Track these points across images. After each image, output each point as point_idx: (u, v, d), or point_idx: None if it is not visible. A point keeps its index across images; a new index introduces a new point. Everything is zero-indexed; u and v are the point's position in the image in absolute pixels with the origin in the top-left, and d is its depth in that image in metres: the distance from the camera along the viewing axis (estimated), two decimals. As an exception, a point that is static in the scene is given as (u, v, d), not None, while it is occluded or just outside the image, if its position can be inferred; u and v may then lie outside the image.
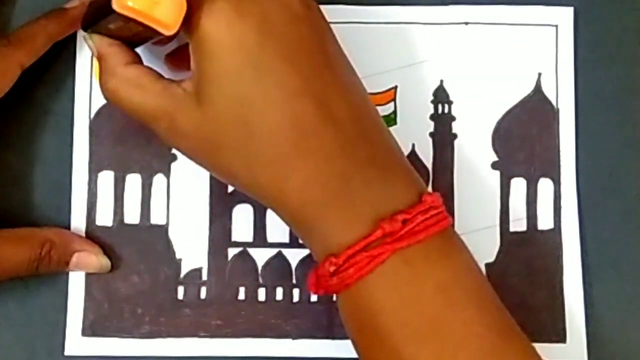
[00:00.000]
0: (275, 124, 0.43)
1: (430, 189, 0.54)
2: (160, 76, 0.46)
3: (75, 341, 0.53)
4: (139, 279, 0.54)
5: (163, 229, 0.54)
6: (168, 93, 0.45)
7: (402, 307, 0.43)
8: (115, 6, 0.42)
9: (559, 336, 0.53)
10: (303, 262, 0.54)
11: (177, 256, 0.54)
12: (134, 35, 0.46)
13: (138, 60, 0.48)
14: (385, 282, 0.43)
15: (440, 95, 0.55)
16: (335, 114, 0.44)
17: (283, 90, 0.43)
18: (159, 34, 0.44)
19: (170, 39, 0.47)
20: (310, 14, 0.45)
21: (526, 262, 0.54)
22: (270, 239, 0.54)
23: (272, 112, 0.43)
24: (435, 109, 0.55)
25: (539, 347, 0.52)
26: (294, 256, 0.54)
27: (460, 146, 0.55)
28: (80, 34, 0.53)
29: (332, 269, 0.44)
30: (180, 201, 0.54)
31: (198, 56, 0.44)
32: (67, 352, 0.53)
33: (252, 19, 0.43)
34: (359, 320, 0.45)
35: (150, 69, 0.47)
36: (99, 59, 0.48)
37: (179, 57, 0.52)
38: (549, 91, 0.55)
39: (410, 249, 0.43)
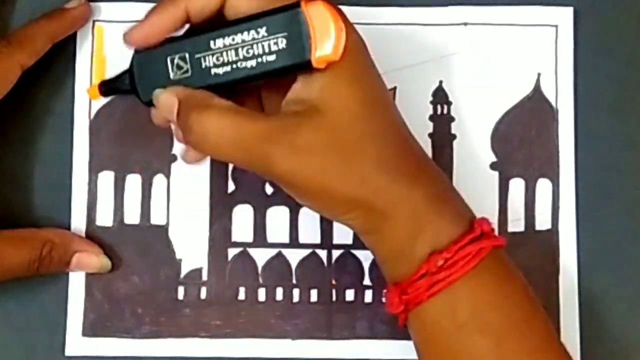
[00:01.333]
0: (396, 124, 0.47)
1: (429, 189, 0.55)
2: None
3: (75, 341, 0.53)
4: (139, 279, 0.54)
5: (163, 229, 0.54)
6: (275, 117, 0.45)
7: (504, 302, 0.46)
8: (316, 63, 0.43)
9: (555, 335, 0.54)
10: (303, 262, 0.54)
11: (177, 256, 0.54)
12: None
13: None
14: (489, 277, 0.46)
15: (439, 96, 0.55)
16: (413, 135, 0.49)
17: (388, 98, 0.48)
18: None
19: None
20: None
21: (523, 262, 0.54)
22: (270, 239, 0.54)
23: (393, 111, 0.47)
24: (434, 109, 0.55)
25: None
26: (294, 256, 0.54)
27: (459, 147, 0.55)
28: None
29: (440, 262, 0.45)
30: (181, 201, 0.54)
31: (339, 60, 0.44)
32: (67, 352, 0.53)
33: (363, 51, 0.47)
34: (454, 322, 0.46)
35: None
36: (182, 103, 0.45)
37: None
38: (548, 92, 0.55)
39: (500, 250, 0.47)
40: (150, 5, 0.54)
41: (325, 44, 0.43)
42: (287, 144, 0.44)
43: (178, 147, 0.54)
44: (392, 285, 0.47)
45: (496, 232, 0.54)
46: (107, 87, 0.49)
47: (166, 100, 0.46)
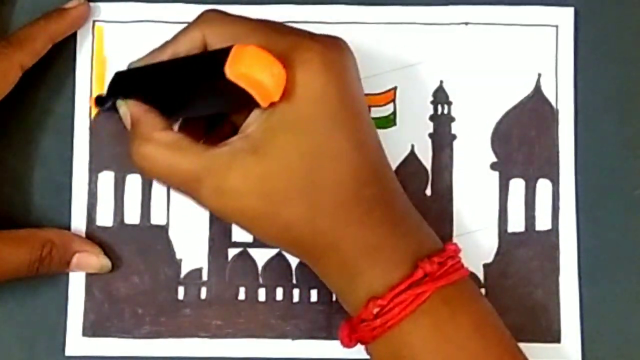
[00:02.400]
0: (341, 174, 0.46)
1: (429, 189, 0.55)
2: (196, 141, 0.47)
3: (75, 341, 0.54)
4: (139, 279, 0.54)
5: (163, 229, 0.55)
6: (212, 153, 0.46)
7: (444, 345, 0.46)
8: (229, 72, 0.43)
9: (554, 336, 0.54)
10: (303, 262, 0.54)
11: (178, 256, 0.54)
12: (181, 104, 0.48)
13: (172, 127, 0.49)
14: (428, 320, 0.45)
15: (440, 96, 0.56)
16: (385, 166, 0.48)
17: (350, 143, 0.46)
18: (246, 103, 0.45)
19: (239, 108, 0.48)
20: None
21: (523, 263, 0.55)
22: (270, 239, 0.55)
23: (339, 163, 0.45)
24: (435, 109, 0.55)
25: (533, 347, 0.53)
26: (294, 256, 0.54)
27: (459, 147, 0.55)
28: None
29: (376, 310, 0.45)
30: (181, 201, 0.54)
31: (283, 103, 0.45)
32: (67, 353, 0.54)
33: (335, 73, 0.46)
34: None
35: (185, 135, 0.47)
36: (133, 125, 0.48)
37: (193, 128, 0.52)
38: (548, 92, 0.56)
39: (447, 289, 0.46)
40: (150, 5, 0.55)
41: (249, 64, 0.43)
42: (213, 186, 0.45)
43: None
44: (343, 321, 0.48)
45: (495, 233, 0.55)
46: (99, 101, 0.53)
47: (123, 114, 0.50)
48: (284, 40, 0.46)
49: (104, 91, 0.53)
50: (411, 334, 0.45)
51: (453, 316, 0.46)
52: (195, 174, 0.46)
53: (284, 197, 0.45)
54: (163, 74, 0.49)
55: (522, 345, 0.48)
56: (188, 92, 0.47)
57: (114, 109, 0.51)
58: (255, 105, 0.45)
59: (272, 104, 0.45)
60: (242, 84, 0.43)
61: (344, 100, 0.46)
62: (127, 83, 0.50)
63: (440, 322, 0.46)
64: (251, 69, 0.43)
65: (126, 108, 0.49)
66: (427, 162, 0.55)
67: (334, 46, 0.47)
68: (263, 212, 0.46)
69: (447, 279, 0.46)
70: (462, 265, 0.48)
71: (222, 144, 0.46)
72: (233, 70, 0.43)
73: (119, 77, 0.52)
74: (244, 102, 0.45)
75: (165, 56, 0.49)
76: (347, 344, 0.48)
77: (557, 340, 0.54)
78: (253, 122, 0.46)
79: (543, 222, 0.55)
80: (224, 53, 0.44)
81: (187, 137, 0.47)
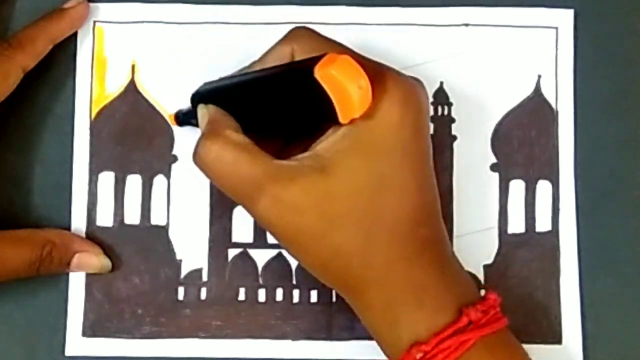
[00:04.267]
0: (401, 209, 0.46)
1: (429, 190, 0.55)
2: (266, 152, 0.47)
3: (75, 341, 0.54)
4: (139, 280, 0.54)
5: (163, 230, 0.55)
6: (278, 163, 0.46)
7: None
8: (318, 74, 0.43)
9: (555, 337, 0.54)
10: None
11: (178, 257, 0.55)
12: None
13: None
14: None
15: (440, 97, 0.56)
16: (437, 210, 0.48)
17: (415, 180, 0.46)
18: (325, 118, 0.45)
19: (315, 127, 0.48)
20: None
21: (524, 264, 0.55)
22: (271, 240, 0.55)
23: (402, 197, 0.46)
24: (435, 110, 0.56)
25: (535, 348, 0.53)
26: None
27: (459, 148, 0.56)
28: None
29: (419, 355, 0.45)
30: (181, 202, 0.55)
31: (357, 126, 0.45)
32: (67, 353, 0.54)
33: (413, 108, 0.46)
34: None
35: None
36: (208, 123, 0.48)
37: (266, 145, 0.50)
38: (548, 93, 0.56)
39: (491, 337, 0.46)
40: (150, 5, 0.55)
41: (341, 70, 0.44)
42: (273, 195, 0.45)
43: (179, 148, 0.55)
44: None
45: (495, 234, 0.55)
46: (180, 119, 0.54)
47: (201, 115, 0.49)
48: (369, 66, 0.45)
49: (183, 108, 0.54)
50: None
51: None
52: (258, 179, 0.45)
53: (342, 220, 0.45)
54: (247, 84, 0.49)
55: (523, 346, 0.49)
56: (270, 98, 0.47)
57: (191, 122, 0.52)
58: (334, 121, 0.45)
59: (351, 122, 0.45)
60: (328, 87, 0.43)
61: (417, 136, 0.47)
62: (210, 96, 0.50)
63: None
64: (341, 74, 0.43)
65: (205, 110, 0.49)
66: (428, 163, 0.55)
67: (414, 84, 0.47)
68: (318, 231, 0.45)
69: (490, 328, 0.46)
70: (502, 315, 0.47)
71: (290, 159, 0.46)
72: (323, 72, 0.43)
73: (203, 90, 0.52)
74: (323, 116, 0.45)
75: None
76: None
77: (559, 341, 0.54)
78: (325, 141, 0.46)
79: (543, 224, 0.55)
80: (315, 59, 0.44)
81: (257, 147, 0.46)
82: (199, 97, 0.51)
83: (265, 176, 0.45)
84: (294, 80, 0.45)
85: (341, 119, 0.45)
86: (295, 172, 0.45)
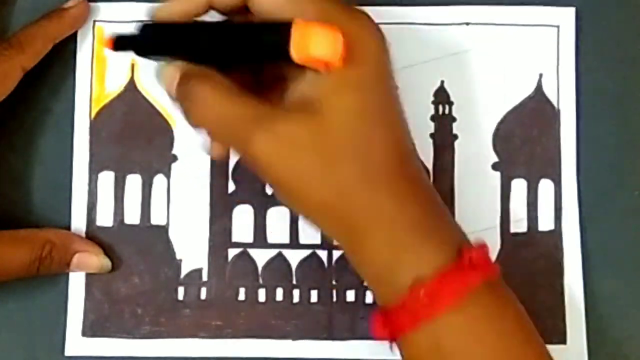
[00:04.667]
0: (388, 145, 0.45)
1: (430, 190, 0.55)
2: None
3: (75, 341, 0.54)
4: (139, 280, 0.55)
5: (163, 230, 0.55)
6: (270, 105, 0.45)
7: (494, 338, 0.44)
8: (296, 54, 0.43)
9: (560, 337, 0.54)
10: (303, 262, 0.55)
11: (178, 257, 0.55)
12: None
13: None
14: (477, 308, 0.44)
15: (441, 96, 0.56)
16: (414, 151, 0.48)
17: (397, 115, 0.47)
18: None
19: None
20: None
21: (527, 264, 0.55)
22: (271, 239, 0.55)
23: (391, 131, 0.45)
24: (436, 109, 0.56)
25: (539, 348, 0.53)
26: (294, 257, 0.55)
27: (460, 147, 0.56)
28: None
29: (423, 292, 0.43)
30: (181, 202, 0.55)
31: (348, 63, 0.44)
32: (67, 353, 0.54)
33: (385, 44, 0.47)
34: (438, 356, 0.44)
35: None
36: (185, 73, 0.46)
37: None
38: (550, 92, 0.56)
39: (492, 281, 0.45)
40: (150, 5, 0.55)
41: (314, 45, 0.43)
42: (270, 130, 0.44)
43: (179, 148, 0.55)
44: (376, 311, 0.46)
45: (497, 233, 0.55)
46: (119, 44, 0.50)
47: (169, 74, 0.47)
48: (334, 7, 0.45)
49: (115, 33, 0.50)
50: (460, 324, 0.44)
51: (500, 307, 0.45)
52: (253, 116, 0.44)
53: (341, 157, 0.44)
54: (207, 37, 0.47)
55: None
56: (240, 59, 0.47)
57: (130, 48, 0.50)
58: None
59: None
60: (308, 64, 0.43)
61: (391, 73, 0.47)
62: (160, 39, 0.48)
63: (491, 313, 0.45)
64: (317, 50, 0.43)
65: (172, 67, 0.47)
66: (429, 163, 0.55)
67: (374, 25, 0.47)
68: (318, 169, 0.44)
69: (491, 270, 0.45)
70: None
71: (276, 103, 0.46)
72: (299, 53, 0.43)
73: (147, 30, 0.49)
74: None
75: (200, 6, 0.48)
76: (380, 335, 0.46)
77: (563, 341, 0.54)
78: (306, 83, 0.45)
79: (546, 223, 0.55)
80: (284, 31, 0.43)
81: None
82: (145, 41, 0.49)
83: (260, 113, 0.45)
84: (270, 51, 0.45)
85: (324, 72, 0.45)
86: (287, 110, 0.45)
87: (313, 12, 0.45)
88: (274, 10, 0.45)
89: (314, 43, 0.43)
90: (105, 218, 0.55)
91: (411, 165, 0.46)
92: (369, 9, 0.55)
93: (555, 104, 0.56)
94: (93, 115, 0.55)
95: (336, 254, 0.55)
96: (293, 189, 0.45)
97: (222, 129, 0.46)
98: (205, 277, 0.55)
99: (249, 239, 0.55)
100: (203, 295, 0.54)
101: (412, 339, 0.45)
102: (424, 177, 0.47)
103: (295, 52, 0.43)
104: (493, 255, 0.55)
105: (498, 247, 0.55)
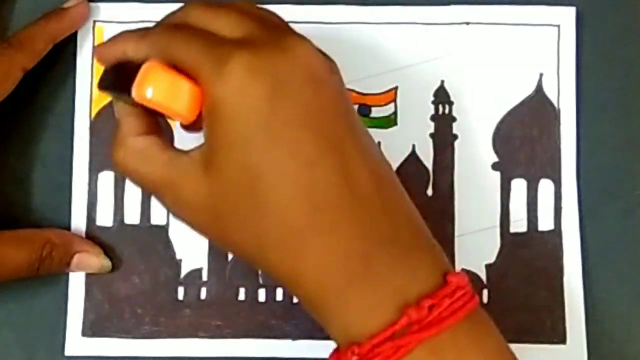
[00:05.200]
0: (287, 196, 0.40)
1: (430, 190, 0.55)
2: (170, 146, 0.45)
3: (75, 341, 0.54)
4: (139, 280, 0.55)
5: (163, 230, 0.55)
6: (174, 163, 0.44)
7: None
8: (134, 95, 0.42)
9: (560, 337, 0.54)
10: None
11: (177, 256, 0.55)
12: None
13: (153, 129, 0.46)
14: (468, 337, 0.41)
15: (441, 96, 0.56)
16: (355, 187, 0.41)
17: (296, 160, 0.41)
18: None
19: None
20: (331, 77, 0.43)
21: (526, 263, 0.55)
22: (271, 239, 0.55)
23: (283, 183, 0.40)
24: (436, 109, 0.56)
25: (539, 348, 0.53)
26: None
27: (460, 147, 0.56)
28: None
29: (355, 358, 0.40)
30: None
31: (209, 121, 0.42)
32: (67, 353, 0.54)
33: (265, 81, 0.40)
34: None
35: (162, 138, 0.45)
36: (117, 126, 0.46)
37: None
38: (550, 92, 0.56)
39: (438, 338, 0.40)
40: (150, 5, 0.56)
41: (154, 87, 0.42)
42: (171, 198, 0.44)
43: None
44: (333, 351, 0.43)
45: (497, 233, 0.55)
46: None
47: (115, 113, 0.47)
48: (210, 53, 0.41)
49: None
50: (458, 347, 0.41)
51: (490, 335, 0.42)
52: (157, 184, 0.44)
53: (230, 219, 0.42)
54: (110, 77, 0.47)
55: (527, 346, 0.49)
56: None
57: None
58: None
59: (197, 122, 0.43)
60: (150, 107, 0.42)
61: (281, 111, 0.41)
62: (113, 80, 0.47)
63: (481, 338, 0.41)
64: (154, 91, 0.42)
65: (115, 108, 0.47)
66: (429, 162, 0.55)
67: (268, 49, 0.41)
68: (214, 231, 0.43)
69: (437, 328, 0.40)
70: (466, 301, 0.42)
71: (186, 152, 0.44)
72: (138, 94, 0.42)
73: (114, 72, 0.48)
74: None
75: (116, 51, 0.45)
76: None
77: (563, 341, 0.54)
78: (206, 131, 0.42)
79: (545, 223, 0.55)
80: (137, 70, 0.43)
81: (159, 143, 0.45)
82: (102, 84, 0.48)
83: (162, 181, 0.44)
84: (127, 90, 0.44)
85: (183, 122, 0.44)
86: (185, 171, 0.43)
87: (179, 56, 0.42)
88: (136, 53, 0.44)
89: (152, 85, 0.42)
90: (105, 218, 0.55)
91: (332, 212, 0.41)
92: (369, 9, 0.56)
93: (555, 103, 0.56)
94: (93, 115, 0.55)
95: (336, 254, 0.55)
96: (218, 246, 0.47)
97: (141, 188, 0.48)
98: (205, 277, 0.55)
99: (249, 238, 0.55)
100: (203, 295, 0.55)
101: None
102: (361, 218, 0.41)
103: (134, 91, 0.42)
104: (493, 255, 0.55)
105: (498, 246, 0.55)
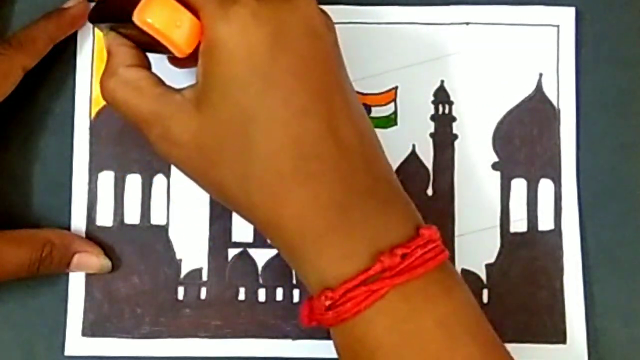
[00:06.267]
0: (277, 142, 0.42)
1: (430, 189, 0.55)
2: (161, 82, 0.46)
3: (75, 341, 0.54)
4: (139, 280, 0.55)
5: (163, 229, 0.55)
6: (165, 98, 0.44)
7: (401, 344, 0.43)
8: (135, 18, 0.43)
9: (560, 337, 0.54)
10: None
11: (177, 256, 0.55)
12: (145, 43, 0.46)
13: (144, 63, 0.47)
14: (384, 318, 0.42)
15: (441, 96, 0.56)
16: (341, 139, 0.43)
17: (288, 108, 0.42)
18: (170, 51, 0.44)
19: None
20: (328, 33, 0.45)
21: (526, 263, 0.55)
22: (271, 239, 0.55)
23: (274, 129, 0.42)
24: (436, 109, 0.56)
25: (539, 348, 0.53)
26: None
27: (460, 147, 0.56)
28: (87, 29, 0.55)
29: (327, 303, 0.42)
30: (181, 201, 0.55)
31: (206, 59, 0.43)
32: (67, 353, 0.54)
33: (268, 28, 0.42)
34: (354, 355, 0.43)
35: (153, 73, 0.46)
36: (107, 57, 0.47)
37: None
38: (550, 91, 0.56)
39: (409, 284, 0.42)
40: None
41: (154, 12, 0.43)
42: (158, 133, 0.45)
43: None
44: (305, 299, 0.45)
45: (497, 233, 0.55)
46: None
47: (105, 45, 0.47)
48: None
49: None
50: (366, 330, 0.43)
51: (413, 314, 0.43)
52: (145, 117, 0.45)
53: (217, 157, 0.43)
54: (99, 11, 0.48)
55: (527, 346, 0.49)
56: (133, 30, 0.46)
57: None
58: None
59: (188, 59, 0.44)
60: (149, 32, 0.43)
61: (279, 58, 0.42)
62: (108, 11, 0.48)
63: (399, 320, 0.42)
64: (155, 18, 0.43)
65: (106, 39, 0.47)
66: (429, 162, 0.56)
67: (275, 0, 0.43)
68: (199, 167, 0.44)
69: (409, 275, 0.42)
70: (437, 253, 0.44)
71: (178, 90, 0.45)
72: (138, 18, 0.43)
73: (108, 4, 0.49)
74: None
75: None
76: (306, 324, 0.45)
77: (563, 341, 0.54)
78: (198, 71, 0.44)
79: (545, 222, 0.55)
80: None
81: (151, 77, 0.45)
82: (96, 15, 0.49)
83: (151, 114, 0.45)
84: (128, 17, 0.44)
85: (179, 55, 0.44)
86: (176, 108, 0.44)
87: None
88: None
89: (154, 11, 0.43)
90: (105, 218, 0.55)
91: (316, 160, 0.42)
92: (369, 9, 0.56)
93: (555, 103, 0.56)
94: (93, 115, 0.56)
95: (336, 253, 0.55)
96: (188, 176, 0.46)
97: (128, 120, 0.46)
98: (205, 277, 0.55)
99: (249, 238, 0.55)
100: (203, 295, 0.55)
101: (333, 333, 0.45)
102: (341, 171, 0.43)
103: (135, 14, 0.43)
104: (493, 255, 0.55)
105: (498, 246, 0.55)
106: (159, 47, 0.45)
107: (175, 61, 0.48)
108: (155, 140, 0.45)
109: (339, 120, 0.43)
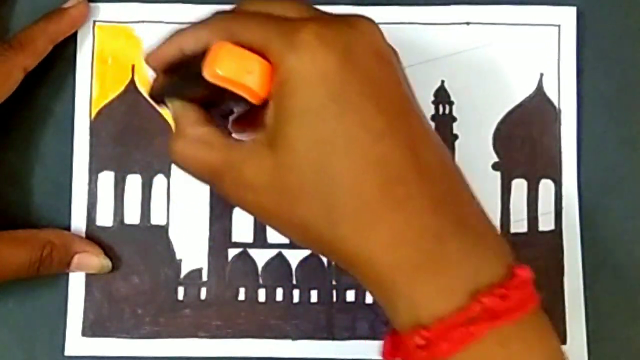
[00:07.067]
0: (360, 168, 0.40)
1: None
2: (230, 135, 0.45)
3: (75, 341, 0.54)
4: (139, 280, 0.55)
5: (163, 230, 0.55)
6: (235, 147, 0.43)
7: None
8: (205, 74, 0.42)
9: (560, 337, 0.53)
10: (303, 262, 0.55)
11: (177, 257, 0.55)
12: (213, 102, 0.45)
13: (209, 120, 0.45)
14: (495, 349, 0.40)
15: (441, 96, 0.56)
16: (424, 165, 0.41)
17: (367, 131, 0.40)
18: (245, 100, 0.43)
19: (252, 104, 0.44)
20: (394, 56, 0.44)
21: (527, 264, 0.54)
22: (271, 239, 0.55)
23: (355, 153, 0.40)
24: (436, 109, 0.56)
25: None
26: (294, 257, 0.55)
27: (461, 147, 0.56)
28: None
29: (421, 342, 0.39)
30: (181, 202, 0.55)
31: (279, 95, 0.41)
32: (67, 353, 0.54)
33: (336, 50, 0.41)
34: None
35: (220, 128, 0.45)
36: (174, 123, 0.46)
37: (244, 121, 0.48)
38: (550, 92, 0.56)
39: (505, 328, 0.39)
40: (150, 5, 0.56)
41: (223, 64, 0.42)
42: (232, 181, 0.43)
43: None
44: (387, 333, 0.43)
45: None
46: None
47: (171, 114, 0.47)
48: (278, 28, 0.41)
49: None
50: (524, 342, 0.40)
51: (528, 349, 0.40)
52: (217, 168, 0.43)
53: (298, 194, 0.41)
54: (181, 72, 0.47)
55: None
56: (200, 89, 0.46)
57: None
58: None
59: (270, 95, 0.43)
60: (222, 84, 0.42)
61: (352, 81, 0.40)
62: (170, 86, 0.47)
63: (512, 354, 0.40)
64: (225, 69, 0.42)
65: (171, 106, 0.46)
66: (429, 163, 0.56)
67: (336, 23, 0.42)
68: (278, 209, 0.42)
69: (506, 317, 0.39)
70: (532, 297, 0.41)
71: (246, 141, 0.44)
72: (209, 72, 0.42)
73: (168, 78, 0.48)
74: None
75: (172, 49, 0.45)
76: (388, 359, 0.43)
77: (563, 341, 0.54)
78: (269, 113, 0.42)
79: (546, 223, 0.56)
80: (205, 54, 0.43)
81: (219, 130, 0.44)
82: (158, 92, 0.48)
83: (222, 164, 0.43)
84: (197, 76, 0.44)
85: (255, 102, 0.43)
86: (247, 152, 0.43)
87: (249, 34, 0.42)
88: (196, 43, 0.44)
89: (223, 62, 0.42)
90: (105, 218, 0.55)
91: (405, 184, 0.40)
92: (368, 9, 0.56)
93: (556, 103, 0.56)
94: (93, 115, 0.56)
95: (336, 254, 0.55)
96: (267, 224, 0.44)
97: (200, 179, 0.45)
98: (205, 277, 0.55)
99: (249, 239, 0.55)
100: (203, 295, 0.55)
101: None
102: (434, 195, 0.41)
103: (205, 69, 0.42)
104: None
105: (498, 247, 0.55)
106: (228, 101, 0.45)
107: (239, 124, 0.47)
108: (229, 188, 0.43)
109: (419, 145, 0.41)
